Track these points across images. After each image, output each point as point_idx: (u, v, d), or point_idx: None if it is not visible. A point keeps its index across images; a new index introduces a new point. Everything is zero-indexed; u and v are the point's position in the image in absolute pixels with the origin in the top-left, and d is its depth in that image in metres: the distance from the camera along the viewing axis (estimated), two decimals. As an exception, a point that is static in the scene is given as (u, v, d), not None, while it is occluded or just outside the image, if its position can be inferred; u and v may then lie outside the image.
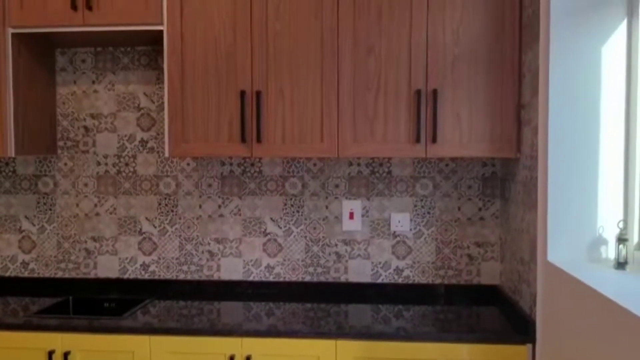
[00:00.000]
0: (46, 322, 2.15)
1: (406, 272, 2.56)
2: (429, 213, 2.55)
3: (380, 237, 2.57)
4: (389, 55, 2.19)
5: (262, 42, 2.21)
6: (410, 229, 2.55)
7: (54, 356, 2.10)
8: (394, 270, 2.56)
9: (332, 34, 2.19)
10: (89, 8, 2.23)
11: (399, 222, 2.54)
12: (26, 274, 2.69)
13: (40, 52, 2.52)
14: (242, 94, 2.21)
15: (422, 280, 2.55)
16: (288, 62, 2.21)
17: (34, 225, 2.68)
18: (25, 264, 2.69)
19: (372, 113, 2.20)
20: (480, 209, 2.53)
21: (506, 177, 2.41)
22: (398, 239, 2.56)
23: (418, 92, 2.16)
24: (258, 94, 2.21)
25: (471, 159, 2.51)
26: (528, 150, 2.06)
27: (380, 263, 2.57)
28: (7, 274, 2.70)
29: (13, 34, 2.31)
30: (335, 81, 2.19)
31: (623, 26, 1.80)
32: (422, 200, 2.54)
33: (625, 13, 1.79)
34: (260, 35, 2.21)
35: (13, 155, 2.33)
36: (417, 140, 2.17)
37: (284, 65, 2.21)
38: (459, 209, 2.53)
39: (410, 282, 2.56)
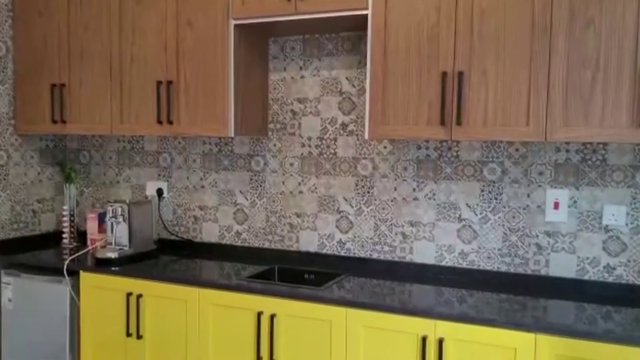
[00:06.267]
0: (256, 287, 2.38)
1: (619, 271, 2.31)
2: (650, 207, 2.27)
3: (590, 231, 2.35)
4: (611, 31, 1.98)
5: (467, 21, 2.15)
6: (627, 224, 2.29)
7: (262, 317, 2.32)
8: (604, 267, 2.33)
9: (544, 8, 2.04)
10: (301, -2, 2.39)
11: (613, 215, 2.30)
12: (239, 243, 3.01)
13: (256, 41, 2.77)
14: (444, 75, 2.19)
15: (639, 281, 2.29)
16: (494, 41, 2.12)
17: (247, 199, 2.98)
18: (238, 234, 3.01)
19: (587, 94, 2.01)
20: None
21: None
22: (611, 233, 2.32)
23: (645, 70, 1.93)
24: (460, 75, 2.17)
25: None
26: None
27: (587, 259, 2.36)
28: (224, 241, 3.04)
29: (235, 25, 2.57)
30: (547, 59, 2.05)
31: None
32: (642, 192, 2.27)
33: None
34: (465, 14, 2.15)
35: (232, 136, 2.61)
36: (642, 123, 1.93)
37: (488, 44, 2.13)
38: (690, 204, 2.21)
39: (623, 282, 2.31)
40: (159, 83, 2.71)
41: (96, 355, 2.69)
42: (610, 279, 2.33)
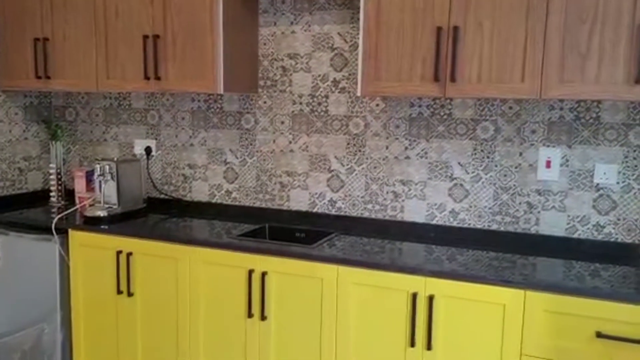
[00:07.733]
0: (247, 245, 2.37)
1: (608, 229, 2.33)
2: (641, 166, 2.26)
3: (580, 189, 2.35)
4: (610, -16, 1.93)
5: (463, -26, 2.10)
6: (617, 182, 2.30)
7: (253, 275, 2.32)
8: (594, 225, 2.35)
9: (543, -39, 1.99)
10: (292, -52, 2.31)
11: (605, 173, 2.30)
12: (229, 201, 2.99)
13: (246, -5, 2.69)
14: (439, 30, 2.14)
15: (627, 239, 2.30)
16: (490, -5, 2.07)
17: (237, 158, 2.95)
18: (229, 193, 2.99)
19: (584, 49, 1.98)
20: None
21: None
22: (601, 192, 2.33)
23: (643, 25, 1.89)
24: (455, 29, 2.12)
25: (703, 106, 2.15)
26: None
27: (577, 217, 2.37)
28: (214, 200, 3.02)
29: (224, -22, 2.48)
30: (544, 12, 2.00)
31: None
32: (635, 150, 2.26)
33: None
34: (461, -34, 2.09)
35: (222, 92, 2.55)
36: (639, 81, 1.91)
37: (485, -1, 2.08)
38: (682, 163, 2.21)
39: (612, 240, 2.32)
40: (145, 37, 2.63)
41: (87, 312, 2.70)
42: (600, 237, 2.34)
